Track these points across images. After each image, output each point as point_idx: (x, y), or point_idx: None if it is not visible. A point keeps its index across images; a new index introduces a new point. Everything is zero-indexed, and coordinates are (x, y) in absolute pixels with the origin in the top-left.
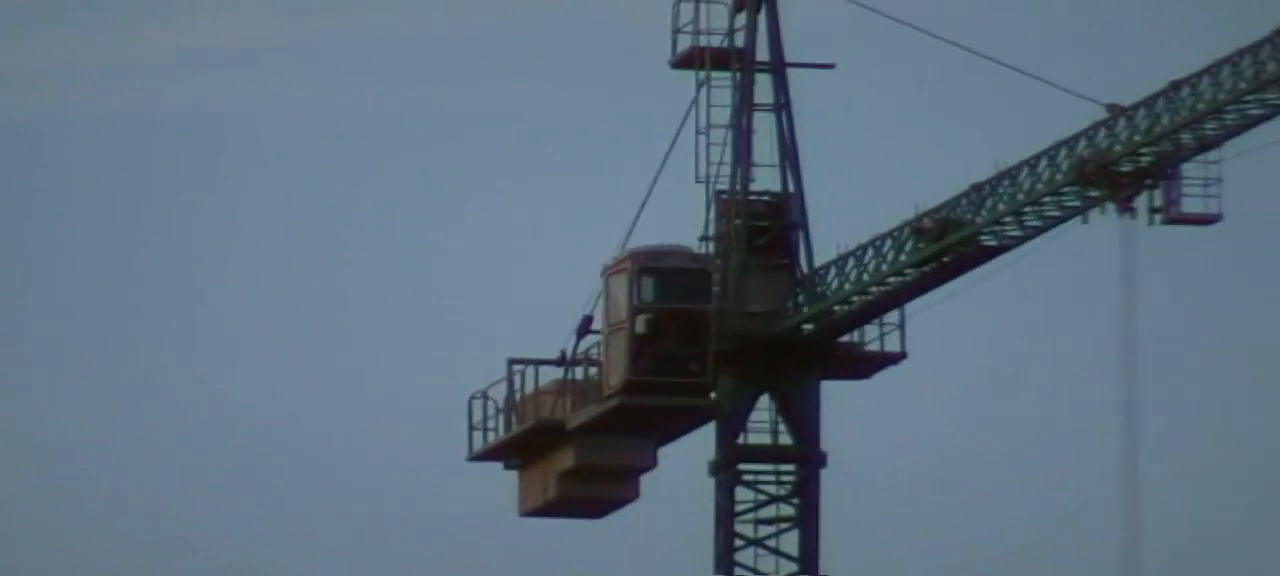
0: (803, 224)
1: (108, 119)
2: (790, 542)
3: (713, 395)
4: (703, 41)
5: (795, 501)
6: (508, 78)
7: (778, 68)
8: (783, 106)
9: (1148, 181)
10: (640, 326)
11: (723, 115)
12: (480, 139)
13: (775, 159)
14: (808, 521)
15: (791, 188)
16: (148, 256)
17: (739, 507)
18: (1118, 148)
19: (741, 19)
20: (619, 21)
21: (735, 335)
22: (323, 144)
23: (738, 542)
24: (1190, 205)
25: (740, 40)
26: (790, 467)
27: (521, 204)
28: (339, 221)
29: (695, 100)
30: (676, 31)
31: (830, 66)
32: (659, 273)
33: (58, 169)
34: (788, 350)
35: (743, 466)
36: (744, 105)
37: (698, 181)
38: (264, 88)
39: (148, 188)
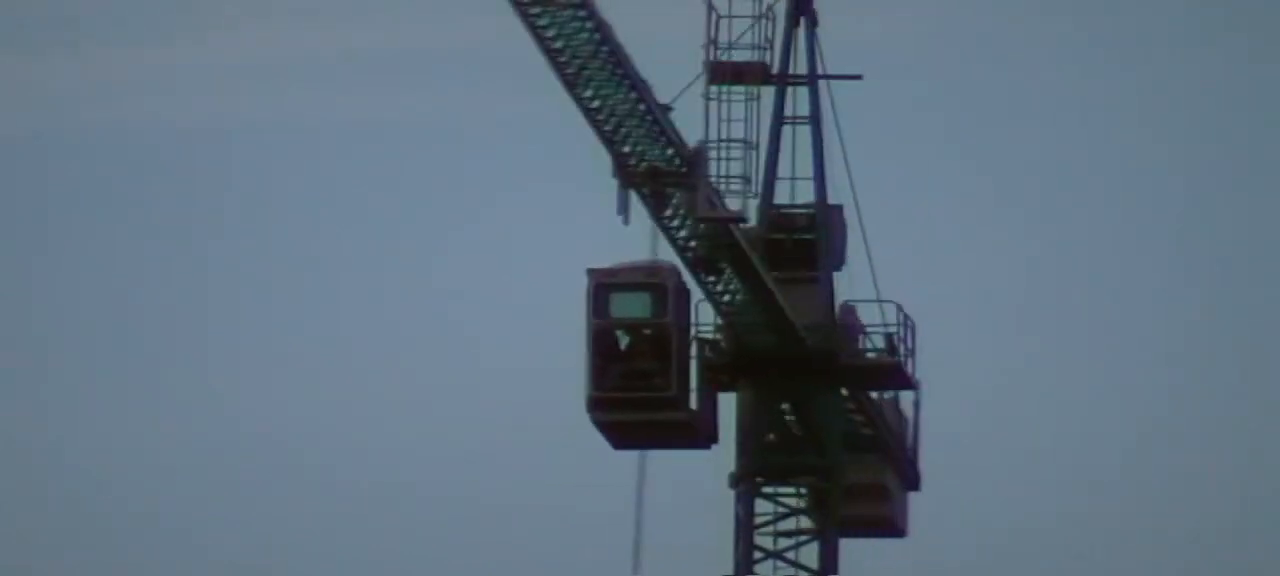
0: (827, 237)
1: (122, 130)
2: (810, 555)
3: (691, 408)
4: (722, 56)
5: (815, 514)
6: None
7: (811, 80)
8: (817, 118)
9: (671, 180)
10: (621, 342)
11: (738, 129)
12: (518, 148)
13: (788, 172)
14: (827, 534)
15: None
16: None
17: (758, 520)
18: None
19: (768, 29)
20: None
21: (750, 349)
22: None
23: (757, 554)
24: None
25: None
26: (811, 480)
27: None
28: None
29: (706, 115)
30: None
31: (858, 77)
32: (614, 288)
33: (82, 181)
34: (805, 364)
35: (762, 479)
36: (777, 119)
37: None
38: (283, 99)
39: (177, 198)
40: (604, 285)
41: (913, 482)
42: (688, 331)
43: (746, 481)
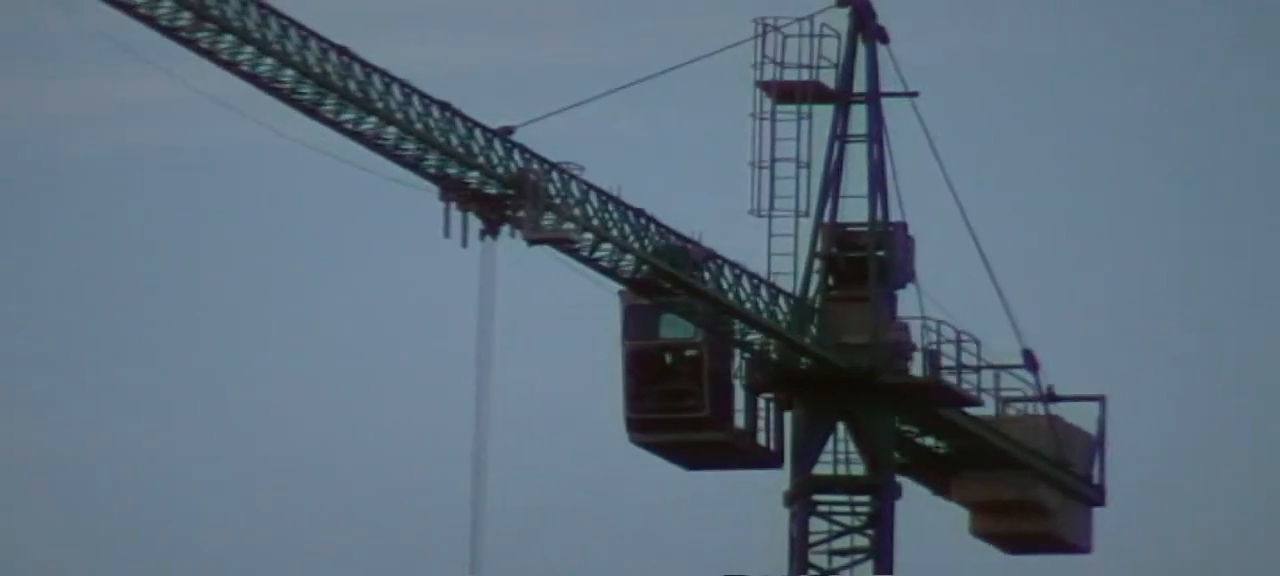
0: (890, 254)
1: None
2: (865, 574)
3: (734, 428)
4: (771, 74)
5: (870, 532)
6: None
7: (871, 98)
8: (877, 136)
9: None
10: (668, 361)
11: (790, 148)
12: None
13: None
14: (882, 553)
15: (881, 217)
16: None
17: (813, 538)
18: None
19: (827, 47)
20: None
21: (790, 368)
22: None
23: (811, 573)
24: (549, 225)
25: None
26: (865, 498)
27: None
28: None
29: (758, 133)
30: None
31: (915, 94)
32: (645, 308)
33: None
34: (860, 384)
35: (817, 497)
36: (837, 136)
37: (759, 215)
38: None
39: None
40: (642, 306)
41: (1093, 498)
42: (730, 353)
43: (801, 499)
